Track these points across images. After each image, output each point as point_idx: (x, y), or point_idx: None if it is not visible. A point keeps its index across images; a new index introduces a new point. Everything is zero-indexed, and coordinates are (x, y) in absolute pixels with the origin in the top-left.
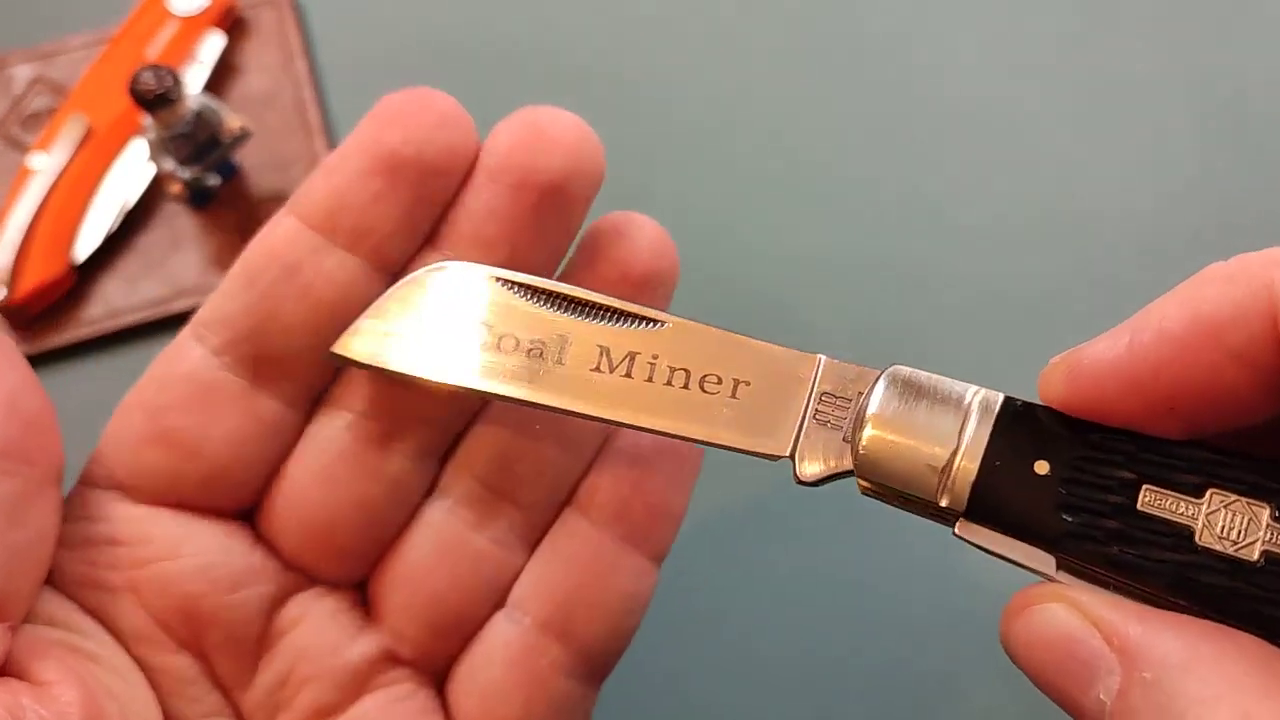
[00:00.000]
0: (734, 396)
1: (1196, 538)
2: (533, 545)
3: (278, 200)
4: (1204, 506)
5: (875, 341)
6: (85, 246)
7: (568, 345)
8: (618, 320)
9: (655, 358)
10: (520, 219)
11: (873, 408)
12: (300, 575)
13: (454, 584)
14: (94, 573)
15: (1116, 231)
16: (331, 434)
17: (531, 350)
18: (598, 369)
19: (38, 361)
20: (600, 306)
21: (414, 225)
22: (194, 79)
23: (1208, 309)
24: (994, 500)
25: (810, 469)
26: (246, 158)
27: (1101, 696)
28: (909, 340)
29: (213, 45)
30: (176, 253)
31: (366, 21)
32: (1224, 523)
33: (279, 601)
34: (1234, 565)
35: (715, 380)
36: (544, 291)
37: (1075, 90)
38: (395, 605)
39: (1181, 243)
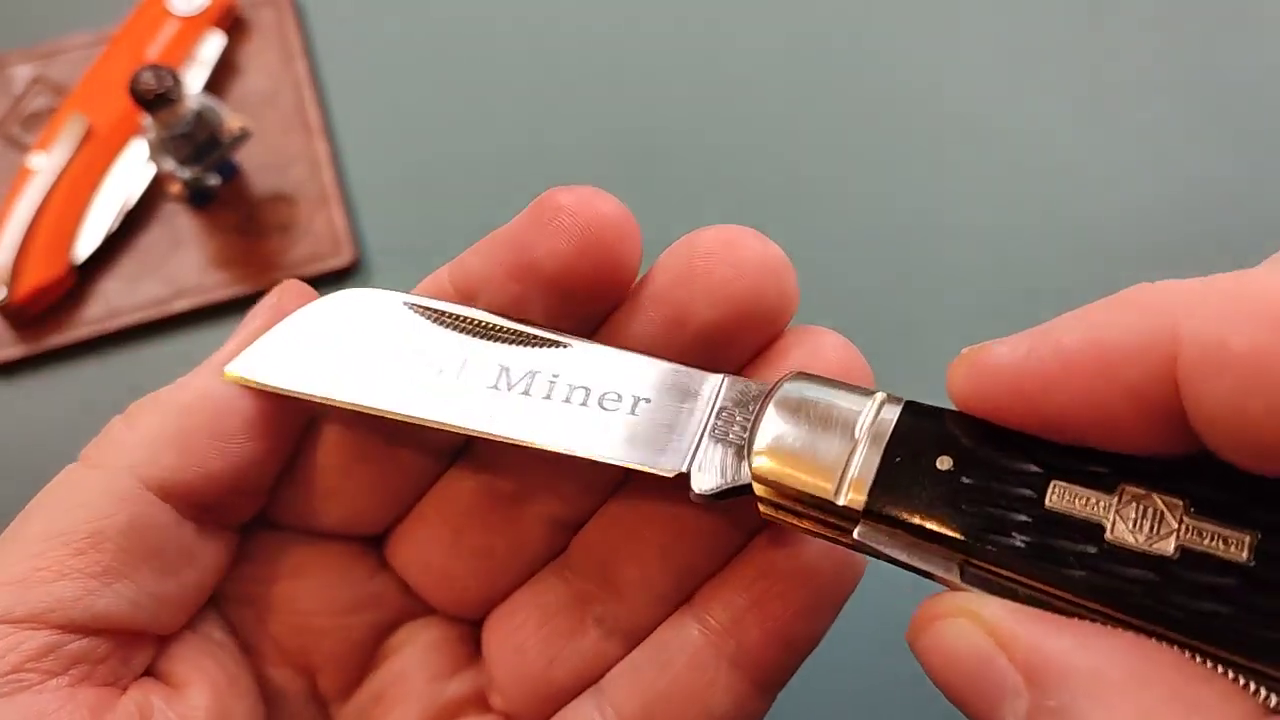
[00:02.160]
0: (633, 413)
1: (1108, 533)
2: (635, 642)
3: (278, 200)
4: (1115, 501)
5: (873, 343)
6: (85, 246)
7: (467, 365)
8: (522, 342)
9: (556, 376)
10: (671, 352)
11: (769, 414)
12: (419, 603)
13: (550, 651)
14: (226, 585)
15: (1115, 233)
16: (468, 485)
17: (429, 369)
18: (495, 387)
19: (38, 362)
20: (505, 330)
21: (556, 327)
22: (194, 79)
23: (1108, 336)
24: (895, 496)
25: (705, 482)
26: (246, 158)
27: None
28: (910, 342)
29: (213, 45)
30: (176, 253)
31: (366, 21)
32: (1136, 517)
33: (392, 626)
34: (1148, 560)
35: (615, 398)
36: (449, 315)
37: (1076, 92)
38: (497, 653)
39: (1181, 242)
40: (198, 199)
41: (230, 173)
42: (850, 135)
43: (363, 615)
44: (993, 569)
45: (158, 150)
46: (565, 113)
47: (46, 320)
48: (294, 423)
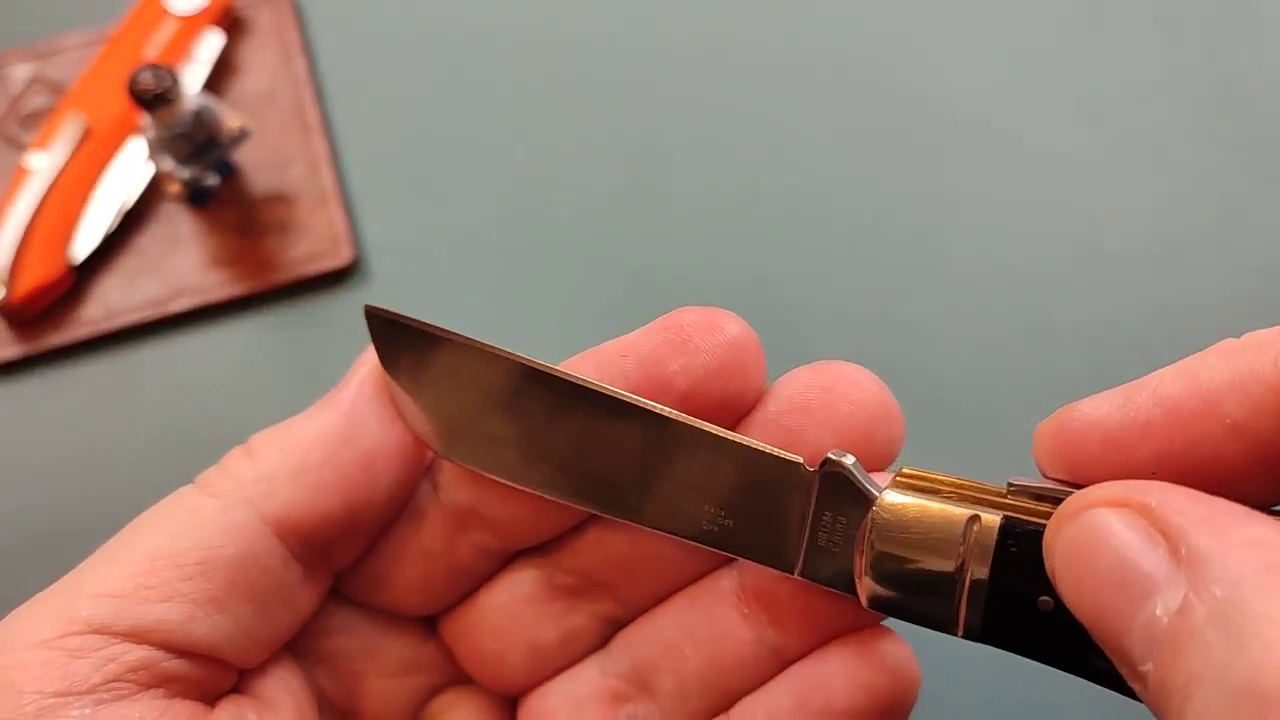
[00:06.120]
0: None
1: None
2: None
3: (277, 199)
4: None
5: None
6: (84, 246)
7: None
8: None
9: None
10: None
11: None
12: (463, 671)
13: None
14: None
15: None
16: (528, 577)
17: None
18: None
19: (36, 362)
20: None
21: None
22: (192, 78)
23: (1208, 375)
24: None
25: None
26: (245, 157)
27: (1158, 613)
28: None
29: (211, 44)
30: (175, 253)
31: (365, 20)
32: None
33: (437, 690)
34: None
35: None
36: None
37: (1085, 95)
38: None
39: (1190, 240)
40: (196, 198)
41: (229, 172)
42: (851, 138)
43: (411, 678)
44: None
45: (156, 150)
46: (566, 112)
47: (44, 320)
48: (411, 468)
